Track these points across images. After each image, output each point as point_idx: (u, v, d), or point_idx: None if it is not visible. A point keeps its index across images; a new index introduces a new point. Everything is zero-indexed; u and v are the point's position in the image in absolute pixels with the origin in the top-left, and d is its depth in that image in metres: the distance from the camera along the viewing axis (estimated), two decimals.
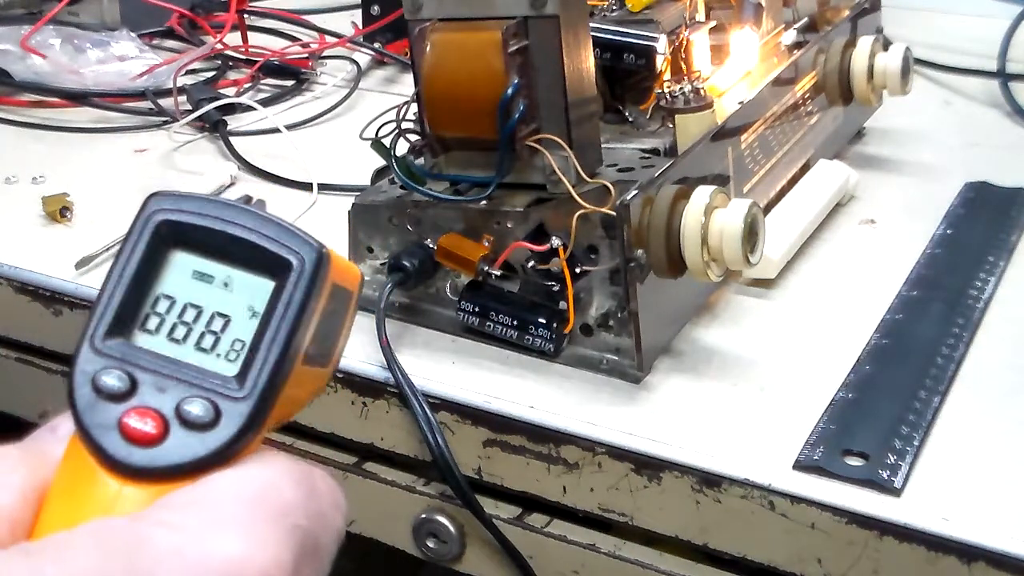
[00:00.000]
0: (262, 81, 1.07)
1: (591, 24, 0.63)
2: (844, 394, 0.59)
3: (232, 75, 1.09)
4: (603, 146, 0.65)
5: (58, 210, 0.79)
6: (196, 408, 0.29)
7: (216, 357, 0.30)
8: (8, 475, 0.29)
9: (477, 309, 0.63)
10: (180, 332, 0.31)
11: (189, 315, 0.31)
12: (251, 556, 0.26)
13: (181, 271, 0.31)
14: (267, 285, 0.30)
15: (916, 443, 0.55)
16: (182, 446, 0.29)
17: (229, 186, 0.85)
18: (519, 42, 0.59)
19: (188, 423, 0.29)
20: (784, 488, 0.53)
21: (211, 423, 0.29)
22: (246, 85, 1.04)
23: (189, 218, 0.31)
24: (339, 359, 0.33)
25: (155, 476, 0.29)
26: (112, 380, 0.30)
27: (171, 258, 0.31)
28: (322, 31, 1.16)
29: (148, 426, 0.29)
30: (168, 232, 0.31)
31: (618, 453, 0.56)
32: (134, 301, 0.31)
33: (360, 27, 1.11)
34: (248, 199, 0.31)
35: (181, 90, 0.98)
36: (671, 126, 0.67)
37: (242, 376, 0.30)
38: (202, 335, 0.31)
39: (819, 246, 0.76)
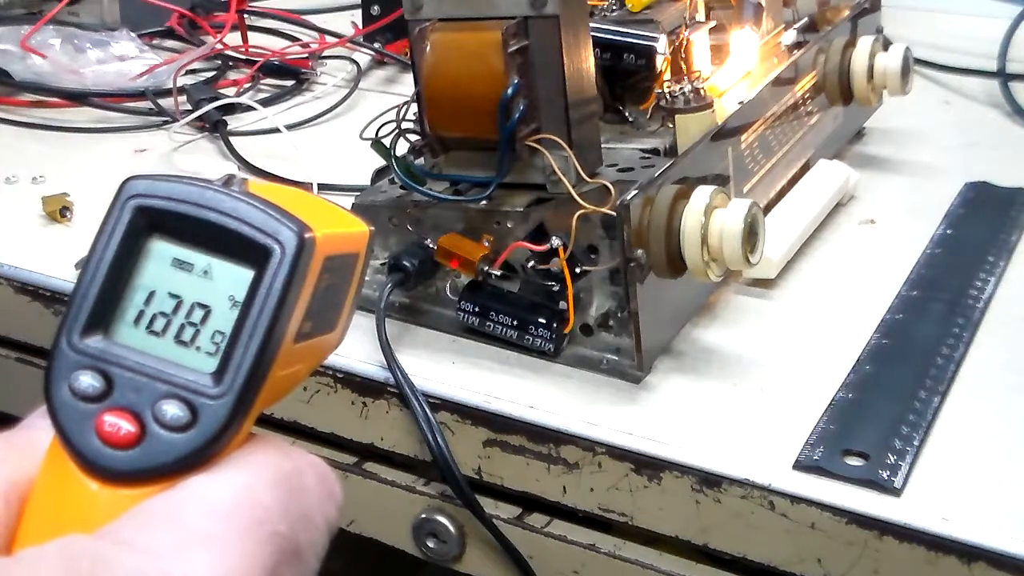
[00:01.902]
0: (262, 81, 1.07)
1: (591, 24, 0.63)
2: (844, 394, 0.59)
3: (232, 75, 1.09)
4: (603, 146, 0.65)
5: (58, 210, 0.79)
6: (172, 408, 0.28)
7: (196, 351, 0.29)
8: None
9: (477, 309, 0.63)
10: (159, 324, 0.29)
11: (168, 306, 0.29)
12: None
13: (160, 260, 0.30)
14: (247, 274, 0.29)
15: (916, 443, 0.55)
16: (159, 448, 0.28)
17: None
18: (519, 42, 0.59)
19: (164, 424, 0.28)
20: (784, 488, 0.53)
21: (188, 424, 0.28)
22: (246, 85, 1.04)
23: (167, 204, 0.29)
24: (349, 318, 0.31)
25: (132, 479, 0.28)
26: (88, 379, 0.28)
27: (149, 246, 0.30)
28: (322, 31, 1.16)
29: (124, 428, 0.28)
30: (145, 219, 0.29)
31: (618, 453, 0.56)
32: (111, 293, 0.29)
33: (360, 27, 1.11)
34: (230, 179, 0.30)
35: (181, 90, 0.98)
36: (671, 126, 0.67)
37: (220, 373, 0.28)
38: (182, 327, 0.29)
39: (819, 246, 0.76)
